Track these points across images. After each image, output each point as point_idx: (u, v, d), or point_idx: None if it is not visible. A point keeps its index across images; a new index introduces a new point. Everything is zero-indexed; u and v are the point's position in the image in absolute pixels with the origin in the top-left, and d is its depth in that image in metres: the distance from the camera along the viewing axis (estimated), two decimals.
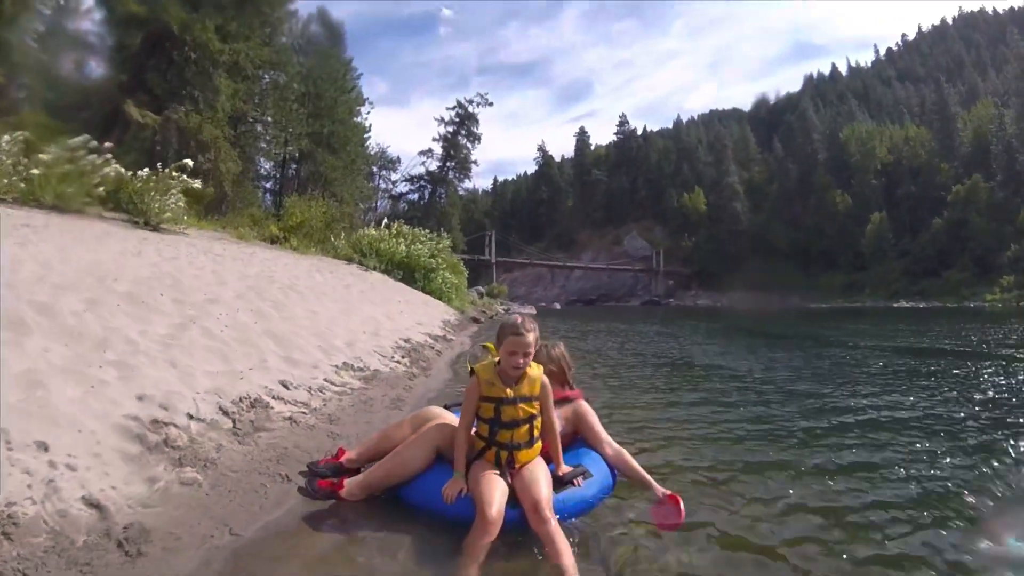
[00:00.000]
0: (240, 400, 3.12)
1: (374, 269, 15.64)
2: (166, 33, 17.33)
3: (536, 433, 2.42)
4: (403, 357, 6.21)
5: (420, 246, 17.56)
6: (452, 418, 2.61)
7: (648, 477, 2.54)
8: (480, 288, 34.26)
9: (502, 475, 2.29)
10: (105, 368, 3.02)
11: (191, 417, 2.73)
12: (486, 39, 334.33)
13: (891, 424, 4.50)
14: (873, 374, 7.45)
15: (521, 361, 2.32)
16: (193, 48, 18.06)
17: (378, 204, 44.88)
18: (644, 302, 73.98)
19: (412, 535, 2.18)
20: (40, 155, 9.16)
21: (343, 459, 2.66)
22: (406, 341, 7.25)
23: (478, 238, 72.27)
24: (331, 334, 5.76)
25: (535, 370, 2.42)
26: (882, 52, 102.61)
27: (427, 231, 19.33)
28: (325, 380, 4.15)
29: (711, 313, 37.80)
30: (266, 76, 23.07)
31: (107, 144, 10.88)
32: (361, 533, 2.19)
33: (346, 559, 2.00)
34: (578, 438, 2.80)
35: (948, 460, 3.45)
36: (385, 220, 20.13)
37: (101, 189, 10.09)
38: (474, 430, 2.44)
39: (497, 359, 2.41)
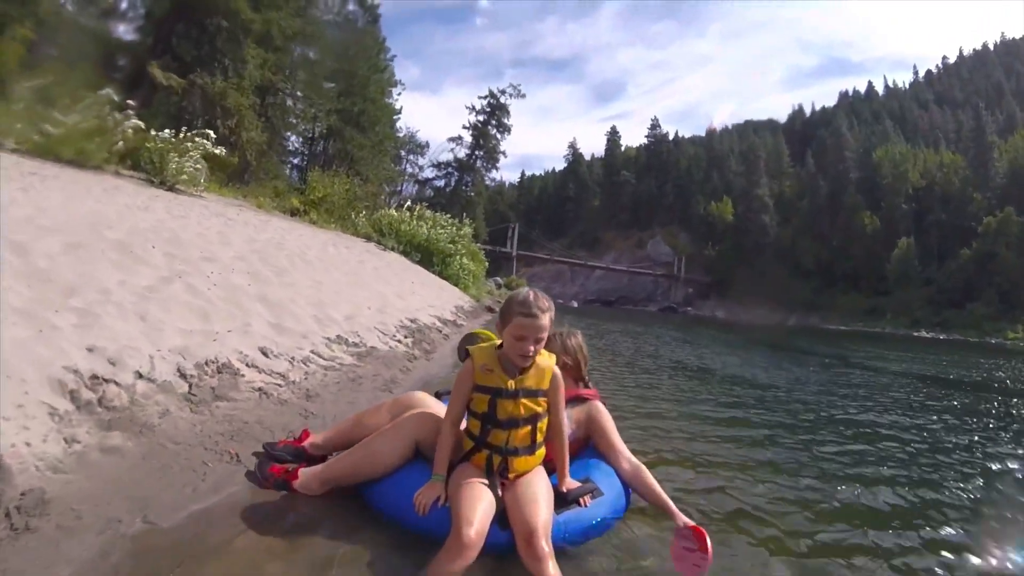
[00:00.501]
0: (206, 363, 2.74)
1: (392, 249, 15.42)
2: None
3: (539, 437, 1.95)
4: (406, 337, 5.81)
5: (441, 231, 17.34)
6: (439, 408, 2.16)
7: (669, 502, 2.05)
8: (498, 279, 33.90)
9: (491, 486, 1.83)
10: (63, 313, 2.71)
11: (140, 376, 2.35)
12: (522, 32, 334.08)
13: (920, 444, 4.31)
14: (899, 398, 7.04)
15: (531, 348, 1.85)
16: (225, 16, 17.87)
17: (404, 187, 44.67)
18: (662, 308, 72.51)
19: (372, 547, 1.74)
20: (59, 115, 8.98)
21: (306, 443, 2.24)
22: (412, 321, 6.88)
23: (501, 230, 72.06)
24: (331, 306, 5.40)
25: (546, 359, 1.94)
26: (921, 73, 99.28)
27: (450, 217, 19.10)
28: (312, 352, 3.76)
29: (728, 325, 37.00)
30: (297, 49, 22.79)
31: (129, 102, 10.74)
32: (308, 538, 1.74)
33: (282, 569, 1.57)
34: (589, 446, 2.34)
35: (985, 488, 3.27)
36: (408, 203, 19.89)
37: (120, 144, 9.95)
38: (464, 426, 1.98)
39: (499, 343, 1.95)
